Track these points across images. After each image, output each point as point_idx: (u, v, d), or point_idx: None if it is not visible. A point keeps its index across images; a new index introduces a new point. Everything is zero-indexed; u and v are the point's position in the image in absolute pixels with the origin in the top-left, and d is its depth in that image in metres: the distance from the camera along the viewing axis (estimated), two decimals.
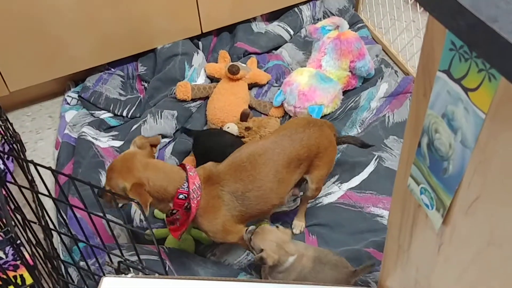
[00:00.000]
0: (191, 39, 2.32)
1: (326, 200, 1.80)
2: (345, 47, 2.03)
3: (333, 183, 1.85)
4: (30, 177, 1.78)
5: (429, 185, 0.77)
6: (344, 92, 2.12)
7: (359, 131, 2.01)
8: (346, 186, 1.84)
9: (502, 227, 0.66)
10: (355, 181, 1.85)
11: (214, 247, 1.71)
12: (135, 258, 1.36)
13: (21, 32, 1.99)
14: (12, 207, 1.36)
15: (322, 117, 2.01)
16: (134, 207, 1.83)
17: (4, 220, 1.16)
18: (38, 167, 1.12)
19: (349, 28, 2.18)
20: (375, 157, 1.91)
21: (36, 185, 1.83)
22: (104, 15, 2.08)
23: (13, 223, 1.29)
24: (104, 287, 1.10)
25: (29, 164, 1.93)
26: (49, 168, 1.10)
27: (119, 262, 1.25)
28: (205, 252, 1.70)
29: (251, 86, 2.17)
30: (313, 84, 1.99)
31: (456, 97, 0.65)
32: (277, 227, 1.48)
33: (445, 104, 0.68)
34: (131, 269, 1.24)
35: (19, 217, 1.41)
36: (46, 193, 1.18)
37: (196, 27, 2.28)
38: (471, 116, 0.64)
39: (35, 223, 1.31)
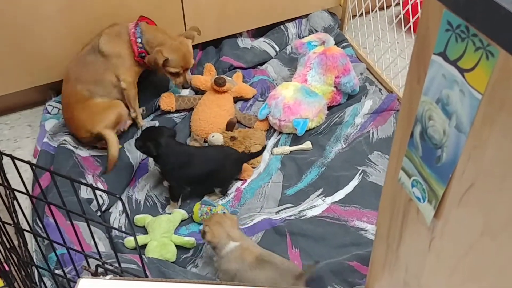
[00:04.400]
0: None
1: (310, 213, 1.77)
2: (330, 62, 2.04)
3: (317, 196, 1.83)
4: (6, 182, 1.73)
5: (421, 177, 0.76)
6: (329, 108, 2.12)
7: (344, 146, 2.01)
8: (330, 199, 1.82)
9: (496, 215, 0.64)
10: (339, 194, 1.83)
11: (196, 258, 1.67)
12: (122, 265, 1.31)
13: (3, 39, 1.96)
14: None
15: (307, 131, 2.00)
16: (113, 215, 1.78)
17: None
18: (18, 172, 1.08)
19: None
20: (359, 171, 1.89)
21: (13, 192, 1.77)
22: (88, 23, 2.06)
23: None
24: None
25: (8, 167, 1.88)
26: (28, 162, 1.06)
27: (97, 266, 1.20)
28: (186, 264, 1.66)
29: (236, 100, 2.16)
30: (298, 98, 1.99)
31: (451, 80, 0.64)
32: (224, 213, 1.65)
33: (440, 88, 0.67)
34: (109, 273, 1.20)
35: None
36: (24, 195, 1.14)
37: None
38: (467, 98, 0.63)
39: (10, 224, 1.26)
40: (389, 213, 0.89)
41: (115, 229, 1.07)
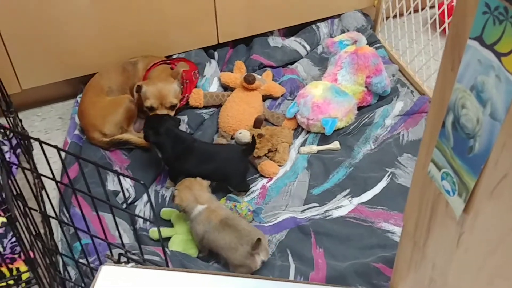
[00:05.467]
0: (207, 48, 2.31)
1: (336, 213, 1.75)
2: (362, 61, 2.01)
3: (344, 196, 1.80)
4: (35, 170, 1.75)
5: (452, 169, 0.73)
6: (359, 109, 2.08)
7: (373, 147, 1.97)
8: (357, 200, 1.79)
9: None
10: (367, 196, 1.80)
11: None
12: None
13: (37, 31, 2.00)
14: (14, 193, 1.32)
15: (335, 130, 1.98)
16: (138, 208, 1.79)
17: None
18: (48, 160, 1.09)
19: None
20: (388, 173, 1.86)
21: (41, 180, 1.79)
22: (120, 20, 2.08)
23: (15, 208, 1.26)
24: (102, 276, 1.05)
25: (38, 157, 1.90)
26: (55, 147, 1.07)
27: (119, 254, 1.20)
28: (208, 260, 1.65)
29: (264, 98, 2.15)
30: (327, 96, 1.96)
31: (487, 65, 0.62)
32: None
33: (475, 75, 0.64)
34: (131, 262, 1.20)
35: (20, 205, 1.37)
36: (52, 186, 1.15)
37: (213, 37, 2.28)
38: (503, 84, 0.60)
39: (36, 210, 1.27)
40: (417, 208, 0.86)
41: (139, 217, 1.06)
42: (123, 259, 1.21)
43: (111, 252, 1.23)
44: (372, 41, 2.41)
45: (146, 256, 1.47)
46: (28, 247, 1.30)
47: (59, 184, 1.66)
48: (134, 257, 1.20)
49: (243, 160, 1.83)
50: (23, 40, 1.99)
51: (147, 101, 1.92)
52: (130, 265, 1.10)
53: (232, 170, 1.79)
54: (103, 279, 1.05)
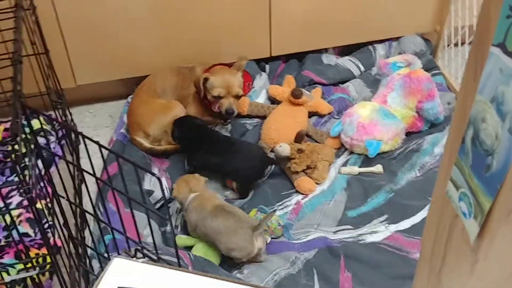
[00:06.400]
0: (259, 61, 2.31)
1: (369, 239, 1.68)
2: (414, 85, 1.94)
3: (381, 222, 1.73)
4: (77, 163, 1.79)
5: (469, 189, 0.67)
6: (408, 134, 2.01)
7: (418, 174, 1.89)
8: (394, 227, 1.71)
9: None
10: (405, 224, 1.72)
11: (243, 265, 1.62)
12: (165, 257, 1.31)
13: (96, 31, 2.07)
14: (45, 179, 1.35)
15: (380, 154, 1.91)
16: (171, 210, 1.79)
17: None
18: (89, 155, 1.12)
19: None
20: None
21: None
22: (175, 24, 2.13)
23: (39, 191, 1.28)
24: (112, 266, 1.05)
25: (83, 152, 1.94)
26: (96, 143, 1.09)
27: (135, 250, 1.20)
28: (231, 269, 1.62)
29: (311, 115, 2.12)
30: (374, 118, 1.91)
31: (508, 74, 0.56)
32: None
33: (495, 85, 0.59)
34: (146, 258, 1.20)
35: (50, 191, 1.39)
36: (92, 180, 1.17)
37: (266, 50, 2.27)
38: None
39: (63, 197, 1.29)
40: (434, 231, 0.80)
41: (153, 212, 1.05)
42: (139, 255, 1.21)
43: (128, 247, 1.23)
44: (431, 67, 2.33)
45: (166, 257, 1.46)
46: (51, 233, 1.33)
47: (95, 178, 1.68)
48: (150, 254, 1.19)
49: (259, 163, 1.84)
50: (82, 37, 2.07)
51: (214, 90, 1.97)
52: (141, 260, 1.10)
53: (240, 166, 1.81)
54: (113, 270, 1.05)
